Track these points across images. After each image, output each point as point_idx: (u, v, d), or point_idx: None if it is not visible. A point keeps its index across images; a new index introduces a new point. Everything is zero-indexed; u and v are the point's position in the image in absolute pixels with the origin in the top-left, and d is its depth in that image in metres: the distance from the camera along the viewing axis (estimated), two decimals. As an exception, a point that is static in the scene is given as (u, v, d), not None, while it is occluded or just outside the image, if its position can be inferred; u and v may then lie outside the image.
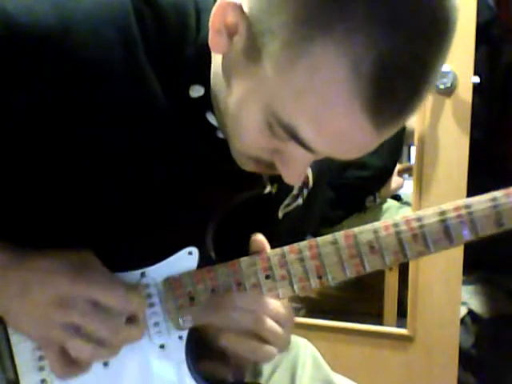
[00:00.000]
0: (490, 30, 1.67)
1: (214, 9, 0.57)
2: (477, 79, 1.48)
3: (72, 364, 0.63)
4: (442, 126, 1.53)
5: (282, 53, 0.52)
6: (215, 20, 0.57)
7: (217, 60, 0.62)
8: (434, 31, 0.51)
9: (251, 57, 0.55)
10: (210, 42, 0.59)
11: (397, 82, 0.51)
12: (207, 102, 0.64)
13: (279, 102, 0.54)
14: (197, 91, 0.63)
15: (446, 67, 1.46)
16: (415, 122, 1.56)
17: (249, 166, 0.64)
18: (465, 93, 1.49)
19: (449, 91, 1.48)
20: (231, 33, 0.57)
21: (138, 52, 0.61)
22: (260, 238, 0.69)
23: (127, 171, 0.64)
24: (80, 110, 0.61)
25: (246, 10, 0.55)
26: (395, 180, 2.18)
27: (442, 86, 1.46)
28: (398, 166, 2.18)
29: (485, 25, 1.60)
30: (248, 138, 0.60)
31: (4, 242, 0.64)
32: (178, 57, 0.63)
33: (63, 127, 0.61)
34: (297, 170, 0.61)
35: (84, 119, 0.61)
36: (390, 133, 0.56)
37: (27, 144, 0.61)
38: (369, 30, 0.49)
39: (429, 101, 1.51)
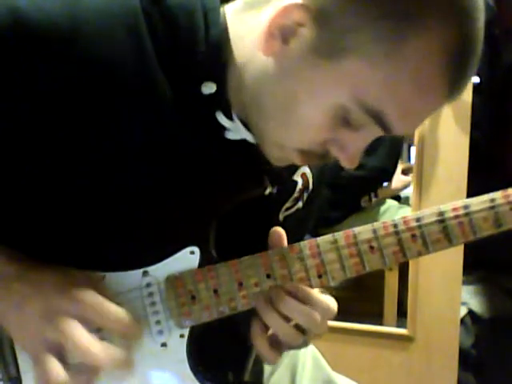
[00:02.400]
0: (490, 30, 1.67)
1: (276, 11, 0.59)
2: (477, 79, 1.48)
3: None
4: (442, 126, 1.53)
5: (373, 47, 0.57)
6: (274, 23, 0.59)
7: (250, 62, 0.62)
8: (482, 11, 0.60)
9: (326, 54, 0.58)
10: (261, 46, 0.60)
11: (470, 58, 0.60)
12: (219, 99, 0.64)
13: (367, 91, 0.59)
14: (209, 88, 0.64)
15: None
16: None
17: (283, 160, 0.67)
18: (465, 93, 1.48)
19: (449, 91, 1.48)
20: (288, 34, 0.59)
21: (147, 51, 0.61)
22: (279, 230, 0.70)
23: (130, 169, 0.64)
24: (88, 109, 0.61)
25: (312, 8, 0.58)
26: (401, 179, 2.18)
27: (442, 86, 1.46)
28: (402, 166, 2.19)
29: (485, 25, 1.59)
30: (303, 132, 0.62)
31: (13, 250, 0.64)
32: (187, 56, 0.63)
33: (70, 126, 0.61)
34: (356, 154, 0.64)
35: (91, 118, 0.61)
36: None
37: (30, 145, 0.61)
38: (452, 19, 0.57)
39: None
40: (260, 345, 0.67)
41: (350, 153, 0.64)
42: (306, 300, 0.66)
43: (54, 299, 0.61)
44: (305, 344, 0.71)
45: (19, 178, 0.63)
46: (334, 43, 0.58)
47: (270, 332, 0.67)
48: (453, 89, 0.60)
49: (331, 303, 0.68)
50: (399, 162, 2.19)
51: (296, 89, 0.61)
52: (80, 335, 0.59)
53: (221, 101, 0.64)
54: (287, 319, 0.66)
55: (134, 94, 0.62)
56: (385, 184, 2.19)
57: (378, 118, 0.60)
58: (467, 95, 1.49)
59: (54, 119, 0.60)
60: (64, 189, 0.64)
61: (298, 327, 0.67)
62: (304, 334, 0.67)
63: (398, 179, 2.18)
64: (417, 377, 1.64)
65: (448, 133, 1.52)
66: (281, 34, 0.59)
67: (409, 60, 0.57)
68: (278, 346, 0.68)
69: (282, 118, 0.62)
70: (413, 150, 1.82)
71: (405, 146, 2.27)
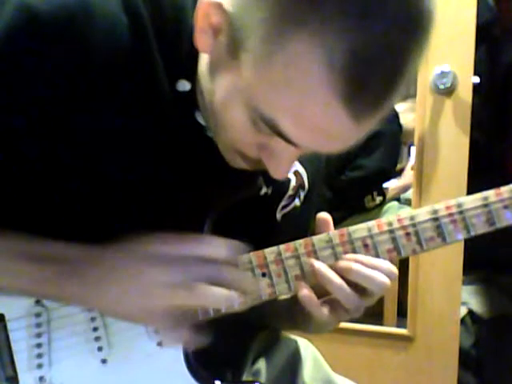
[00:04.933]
0: (490, 30, 1.67)
1: (197, 8, 0.58)
2: (477, 79, 1.48)
3: (183, 324, 0.62)
4: (442, 126, 1.53)
5: (259, 48, 0.54)
6: (199, 19, 0.58)
7: (203, 58, 0.63)
8: (407, 22, 0.51)
9: (232, 53, 0.56)
10: (195, 42, 0.60)
11: (369, 73, 0.52)
12: (194, 98, 0.65)
13: (259, 96, 0.55)
14: (182, 86, 0.64)
15: (445, 67, 1.46)
16: (415, 121, 1.56)
17: (236, 163, 0.65)
18: (465, 93, 1.49)
19: (449, 91, 1.48)
20: (216, 32, 0.58)
21: (147, 40, 0.62)
22: (326, 216, 0.70)
23: (124, 168, 0.65)
24: (89, 98, 0.61)
25: (227, 7, 0.56)
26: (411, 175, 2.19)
27: (441, 86, 1.46)
28: (410, 165, 2.19)
29: (485, 25, 1.59)
30: (234, 135, 0.61)
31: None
32: (173, 51, 0.63)
33: (78, 115, 0.62)
34: (283, 165, 0.61)
35: (91, 108, 0.62)
36: (370, 124, 0.56)
37: (39, 136, 0.62)
38: (341, 23, 0.50)
39: (429, 101, 1.52)
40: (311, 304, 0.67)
41: (276, 162, 0.61)
42: (370, 264, 0.66)
43: (154, 245, 0.61)
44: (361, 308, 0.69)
45: (25, 168, 0.64)
46: (234, 42, 0.56)
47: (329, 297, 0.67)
48: (355, 108, 0.53)
49: (390, 265, 0.67)
50: (408, 160, 2.20)
51: (222, 87, 0.59)
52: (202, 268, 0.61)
53: (196, 99, 0.64)
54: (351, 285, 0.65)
55: (132, 84, 0.63)
56: (394, 181, 2.21)
57: (275, 128, 0.56)
58: (467, 95, 1.49)
59: (65, 107, 0.61)
60: (57, 184, 0.64)
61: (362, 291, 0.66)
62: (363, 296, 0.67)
63: (409, 175, 2.18)
64: (417, 377, 1.63)
65: (448, 133, 1.52)
66: (211, 29, 0.58)
67: (290, 65, 0.52)
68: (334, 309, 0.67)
69: (216, 116, 0.61)
70: (413, 149, 1.82)
71: (405, 146, 2.27)
